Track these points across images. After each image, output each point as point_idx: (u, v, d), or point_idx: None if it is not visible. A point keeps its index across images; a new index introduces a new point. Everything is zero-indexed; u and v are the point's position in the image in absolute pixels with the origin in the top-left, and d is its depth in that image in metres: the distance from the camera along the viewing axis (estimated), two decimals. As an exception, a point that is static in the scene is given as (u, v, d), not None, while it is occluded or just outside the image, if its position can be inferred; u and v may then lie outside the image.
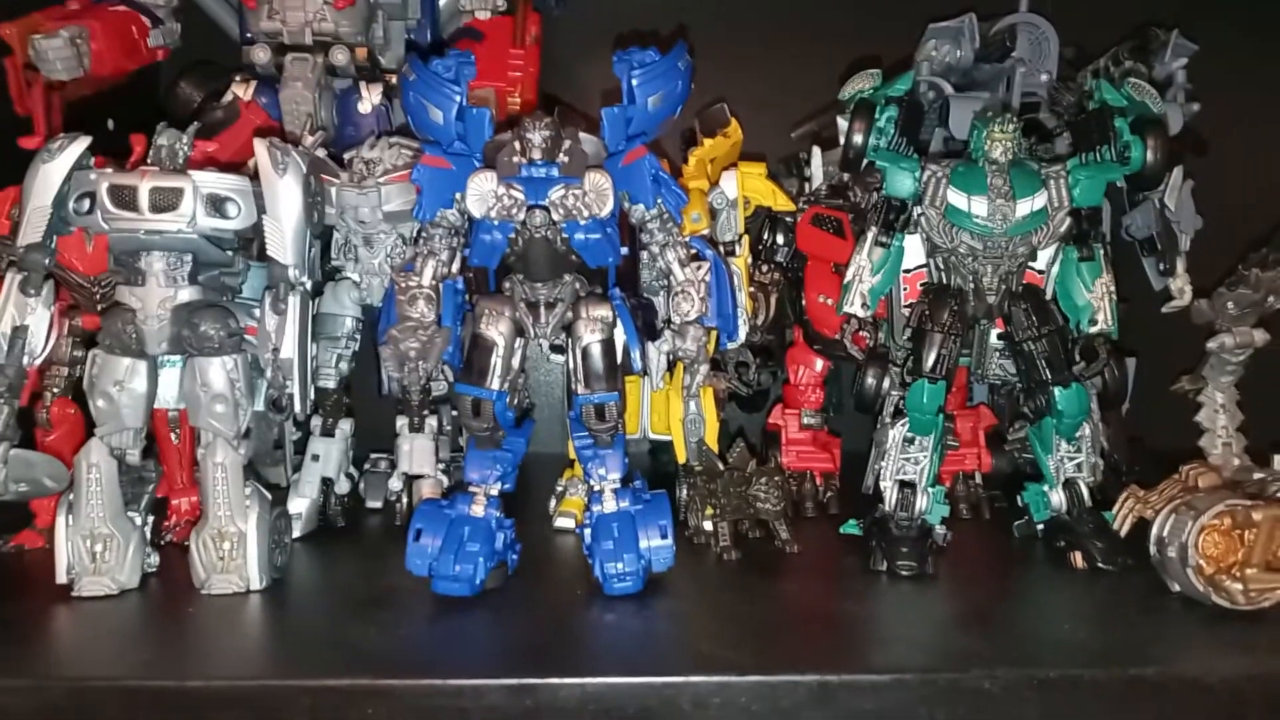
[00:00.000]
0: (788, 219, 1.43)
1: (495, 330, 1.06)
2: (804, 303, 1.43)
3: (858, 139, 1.23)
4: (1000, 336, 1.19)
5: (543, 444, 1.40)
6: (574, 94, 1.65)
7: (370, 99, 1.45)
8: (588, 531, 1.09)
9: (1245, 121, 1.75)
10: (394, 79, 1.48)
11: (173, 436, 1.25)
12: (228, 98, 1.43)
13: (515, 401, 1.11)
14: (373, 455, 1.44)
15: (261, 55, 1.42)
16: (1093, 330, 1.16)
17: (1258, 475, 1.21)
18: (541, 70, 1.53)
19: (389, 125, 1.45)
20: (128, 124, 1.53)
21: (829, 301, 1.36)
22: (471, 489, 1.09)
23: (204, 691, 0.86)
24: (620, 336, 1.09)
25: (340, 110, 1.45)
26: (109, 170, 1.06)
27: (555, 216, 1.04)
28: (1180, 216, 1.38)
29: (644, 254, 1.15)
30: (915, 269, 1.21)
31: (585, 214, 1.04)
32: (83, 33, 1.34)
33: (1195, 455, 1.37)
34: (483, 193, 1.04)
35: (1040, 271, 1.19)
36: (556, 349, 1.16)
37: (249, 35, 1.43)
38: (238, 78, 1.44)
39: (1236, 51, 1.72)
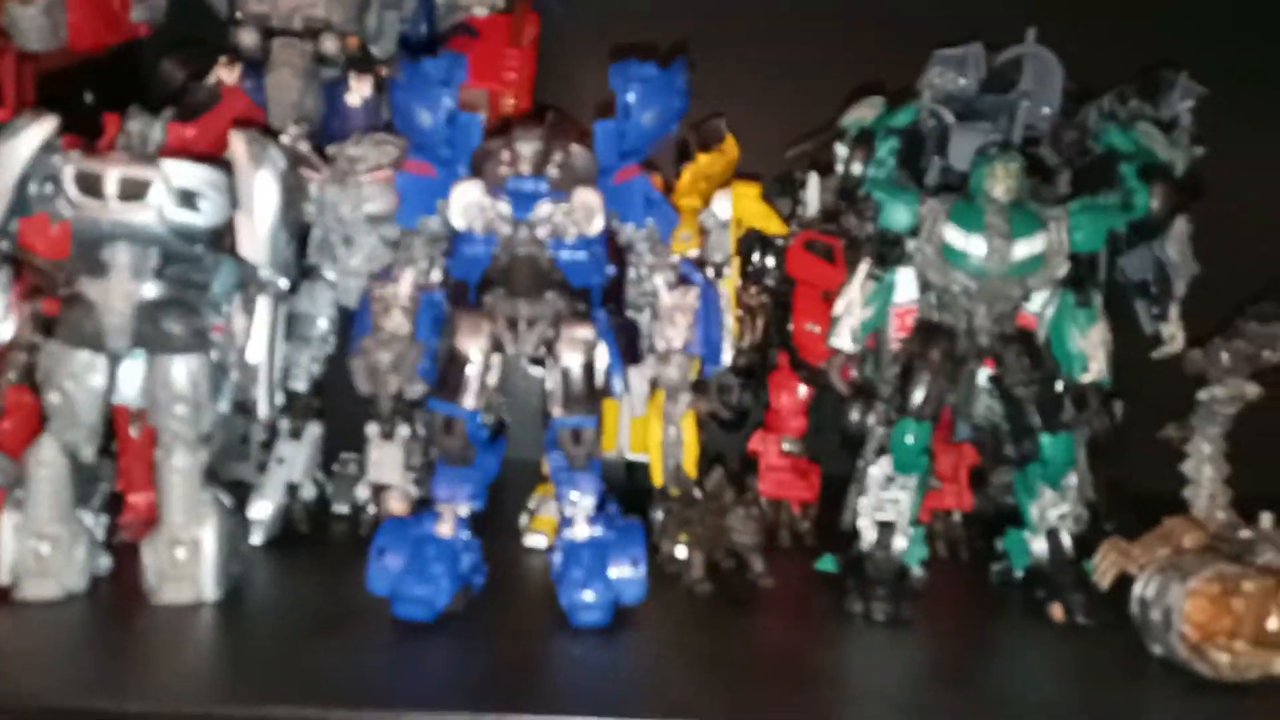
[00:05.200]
0: (779, 242, 1.39)
1: (472, 346, 1.02)
2: (790, 328, 1.39)
3: (856, 168, 1.20)
4: (991, 379, 1.16)
5: (514, 449, 1.36)
6: (569, 101, 1.61)
7: (360, 91, 1.40)
8: (557, 557, 1.05)
9: (1246, 165, 1.72)
10: (385, 71, 1.44)
11: (133, 431, 1.21)
12: (211, 79, 1.38)
13: (489, 420, 1.07)
14: (343, 456, 1.40)
15: (249, 38, 1.37)
16: (1085, 379, 1.13)
17: (1244, 534, 1.18)
18: (537, 74, 1.49)
19: (378, 119, 1.40)
20: (107, 101, 1.49)
21: (816, 329, 1.33)
22: (439, 507, 1.05)
23: (144, 718, 0.82)
24: (602, 359, 1.05)
25: (328, 101, 1.41)
26: (76, 154, 1.01)
27: (541, 233, 1.00)
28: (1178, 263, 1.36)
29: (630, 273, 1.11)
30: (906, 304, 1.18)
31: (572, 232, 1.00)
32: (61, 2, 1.29)
33: (1176, 501, 1.35)
34: (467, 203, 1.00)
35: (1035, 314, 1.16)
36: (536, 361, 1.12)
37: (238, 17, 1.38)
38: (223, 59, 1.39)
39: (1239, 93, 1.69)
